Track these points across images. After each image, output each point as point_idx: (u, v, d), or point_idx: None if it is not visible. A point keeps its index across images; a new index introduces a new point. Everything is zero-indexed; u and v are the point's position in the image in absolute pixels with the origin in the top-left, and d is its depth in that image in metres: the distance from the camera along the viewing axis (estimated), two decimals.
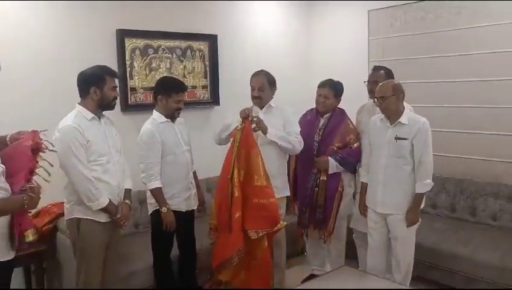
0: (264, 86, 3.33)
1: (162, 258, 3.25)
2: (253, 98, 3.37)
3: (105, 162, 2.71)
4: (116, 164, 2.79)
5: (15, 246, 2.13)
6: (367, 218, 3.23)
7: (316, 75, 3.92)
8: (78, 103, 2.73)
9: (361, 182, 3.30)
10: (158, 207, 3.09)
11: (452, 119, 4.20)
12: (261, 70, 3.42)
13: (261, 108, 3.37)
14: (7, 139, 2.28)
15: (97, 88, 2.68)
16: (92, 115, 2.70)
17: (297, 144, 3.28)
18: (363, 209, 3.28)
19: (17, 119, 3.35)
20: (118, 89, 2.83)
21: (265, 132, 3.18)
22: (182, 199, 3.18)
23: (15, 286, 3.40)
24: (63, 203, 3.34)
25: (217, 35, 4.46)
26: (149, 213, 3.24)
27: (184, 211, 3.19)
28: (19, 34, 3.40)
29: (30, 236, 2.15)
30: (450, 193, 4.08)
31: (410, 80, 4.31)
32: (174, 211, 3.10)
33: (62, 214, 3.32)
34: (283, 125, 3.31)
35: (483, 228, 3.79)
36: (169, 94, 3.10)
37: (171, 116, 3.15)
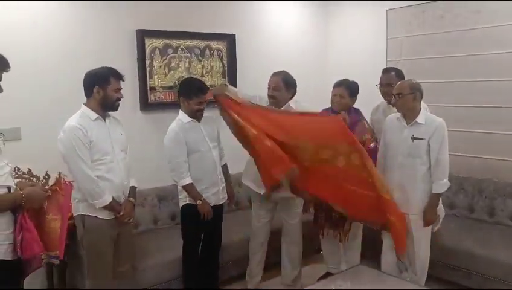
0: (278, 86, 3.34)
1: (190, 251, 3.32)
2: (268, 97, 3.39)
3: (108, 161, 2.75)
4: (120, 162, 2.83)
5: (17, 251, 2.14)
6: None
7: (333, 75, 3.91)
8: (84, 103, 2.79)
9: None
10: (188, 202, 3.20)
11: (471, 119, 4.16)
12: (282, 71, 3.44)
13: (279, 108, 3.39)
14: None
15: (100, 88, 2.73)
16: (96, 115, 2.75)
17: None
18: None
19: (36, 118, 3.48)
20: (122, 91, 2.85)
21: None
22: (210, 194, 3.24)
23: (37, 280, 3.50)
24: None
25: (235, 34, 4.50)
26: (180, 206, 3.32)
27: (212, 205, 3.25)
28: (39, 34, 3.48)
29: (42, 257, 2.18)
30: (469, 193, 4.04)
31: (429, 80, 4.28)
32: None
33: None
34: None
35: (502, 229, 3.75)
36: (190, 96, 3.16)
37: (194, 116, 3.21)
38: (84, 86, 2.78)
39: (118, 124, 2.94)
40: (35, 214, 2.21)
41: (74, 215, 2.84)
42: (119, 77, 2.81)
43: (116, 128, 2.90)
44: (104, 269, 2.83)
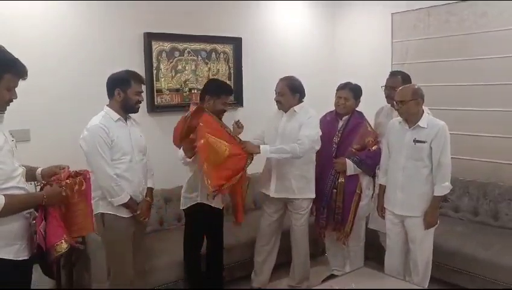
0: (283, 91, 3.43)
1: (192, 252, 3.39)
2: (275, 101, 3.50)
3: (128, 161, 2.84)
4: (138, 163, 2.92)
5: (32, 249, 2.20)
6: (385, 219, 3.26)
7: (339, 77, 3.95)
8: (107, 105, 2.90)
9: (380, 184, 3.33)
10: (194, 203, 3.27)
11: (476, 122, 4.16)
12: (289, 76, 3.52)
13: (286, 112, 3.47)
14: (38, 173, 2.35)
15: (121, 90, 2.84)
16: (118, 116, 2.86)
17: (296, 148, 3.26)
18: (381, 211, 3.31)
19: (45, 120, 3.52)
20: (143, 94, 2.96)
21: (258, 152, 3.24)
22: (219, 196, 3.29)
23: (44, 280, 3.55)
24: None
25: (241, 38, 4.54)
26: (182, 208, 3.38)
27: (213, 205, 3.31)
28: (47, 36, 3.52)
29: (62, 248, 2.20)
30: (473, 197, 4.04)
31: (434, 83, 4.30)
32: (206, 206, 3.27)
33: None
34: (299, 128, 3.37)
35: (506, 233, 3.74)
36: (218, 95, 3.27)
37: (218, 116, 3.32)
38: (106, 88, 2.89)
39: (137, 126, 3.04)
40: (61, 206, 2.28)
41: (94, 213, 2.88)
42: (140, 80, 2.93)
43: (136, 130, 2.99)
44: (125, 267, 2.91)
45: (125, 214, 2.86)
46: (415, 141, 3.00)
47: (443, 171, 2.98)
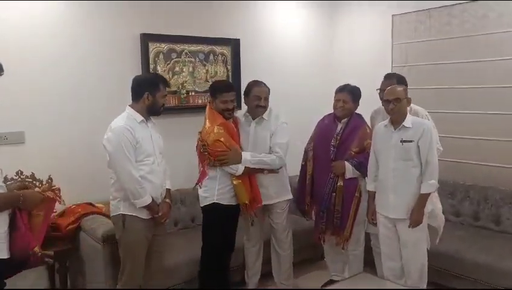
0: (268, 95, 3.43)
1: (209, 251, 3.34)
2: (259, 107, 3.41)
3: (151, 163, 2.87)
4: (160, 164, 2.95)
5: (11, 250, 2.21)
6: (378, 225, 3.22)
7: (338, 78, 3.91)
8: (129, 105, 2.91)
9: (368, 191, 3.29)
10: (212, 201, 3.25)
11: (477, 125, 4.12)
12: (257, 80, 3.51)
13: (254, 118, 3.45)
14: None
15: (150, 94, 2.87)
16: (141, 118, 2.88)
17: (276, 161, 3.34)
18: (371, 218, 3.28)
19: (40, 122, 3.49)
20: (165, 97, 2.99)
21: (239, 162, 3.24)
22: (232, 195, 3.29)
23: (39, 283, 3.51)
24: (86, 203, 3.47)
25: (239, 39, 4.50)
26: (201, 205, 3.35)
27: (234, 204, 3.30)
28: (43, 37, 3.49)
29: (37, 251, 2.26)
30: (474, 201, 4.00)
31: (435, 85, 4.27)
32: (227, 205, 3.26)
33: (85, 215, 3.44)
34: (270, 136, 3.39)
35: (508, 237, 3.70)
36: (215, 96, 3.27)
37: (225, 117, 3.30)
38: (133, 90, 2.91)
39: (156, 128, 3.04)
40: (27, 213, 2.29)
41: (113, 215, 2.93)
42: (167, 84, 3.02)
43: (156, 131, 3.01)
44: (138, 269, 2.93)
45: (145, 215, 2.87)
46: (402, 141, 3.00)
47: (430, 169, 2.98)
